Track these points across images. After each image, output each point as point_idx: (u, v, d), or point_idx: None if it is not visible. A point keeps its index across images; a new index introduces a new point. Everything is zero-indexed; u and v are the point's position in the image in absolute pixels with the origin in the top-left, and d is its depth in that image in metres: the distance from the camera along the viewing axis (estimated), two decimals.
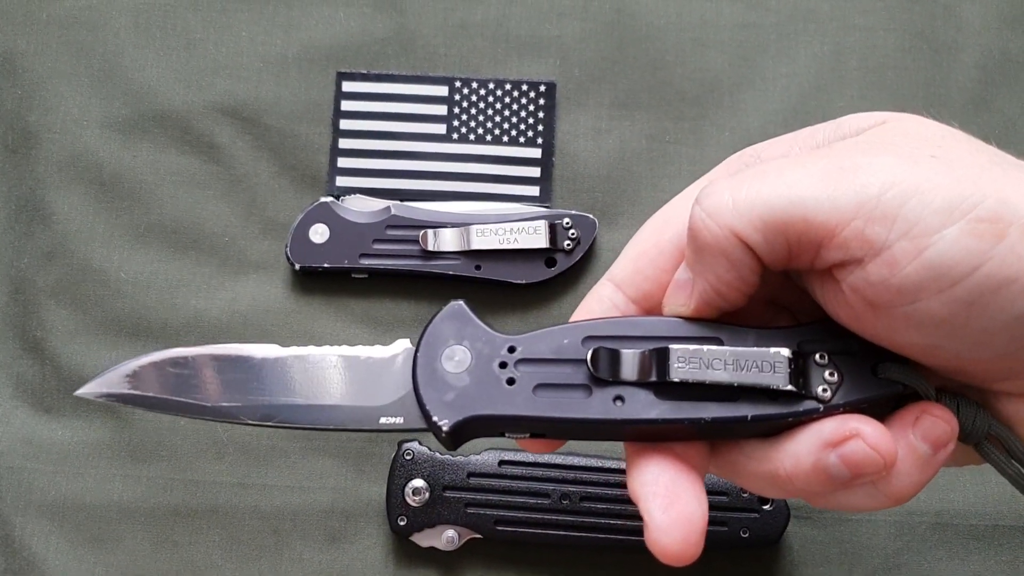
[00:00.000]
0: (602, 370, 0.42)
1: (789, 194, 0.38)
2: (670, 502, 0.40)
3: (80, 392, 0.49)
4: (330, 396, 0.47)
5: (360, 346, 0.48)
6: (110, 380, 0.48)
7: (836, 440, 0.40)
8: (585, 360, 0.42)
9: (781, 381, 0.41)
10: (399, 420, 0.46)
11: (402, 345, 0.47)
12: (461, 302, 0.45)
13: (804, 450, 0.40)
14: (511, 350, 0.44)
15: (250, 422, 0.47)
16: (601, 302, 0.45)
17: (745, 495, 0.63)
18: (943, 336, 0.37)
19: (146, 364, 0.48)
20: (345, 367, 0.47)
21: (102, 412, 0.68)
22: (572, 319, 0.45)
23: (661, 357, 0.42)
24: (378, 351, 0.48)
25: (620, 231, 0.70)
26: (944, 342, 0.38)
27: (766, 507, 0.63)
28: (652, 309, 0.45)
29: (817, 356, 0.41)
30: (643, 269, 0.45)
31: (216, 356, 0.48)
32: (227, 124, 0.71)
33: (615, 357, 0.42)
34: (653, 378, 0.42)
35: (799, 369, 0.41)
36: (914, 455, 0.40)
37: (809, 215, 0.38)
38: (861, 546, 0.65)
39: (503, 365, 0.43)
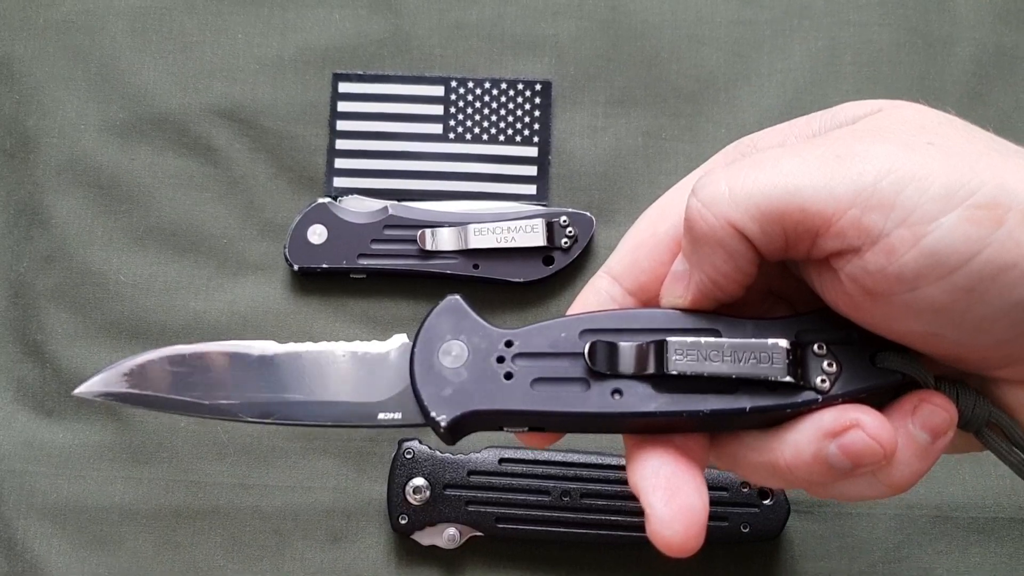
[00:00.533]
0: (600, 364, 0.42)
1: (785, 183, 0.38)
2: (671, 494, 0.40)
3: (78, 391, 0.48)
4: (328, 392, 0.47)
5: (357, 341, 0.48)
6: (108, 379, 0.48)
7: (836, 430, 0.40)
8: (582, 354, 0.42)
9: (779, 372, 0.40)
10: (397, 416, 0.46)
11: (399, 340, 0.47)
12: (457, 296, 0.45)
13: (804, 440, 0.40)
14: (508, 344, 0.43)
15: (249, 419, 0.47)
16: (598, 295, 0.45)
17: (745, 490, 0.63)
18: (942, 324, 0.37)
19: (144, 362, 0.48)
20: (342, 363, 0.47)
21: (103, 414, 0.68)
22: (569, 312, 0.45)
23: (659, 350, 0.41)
24: (375, 346, 0.47)
25: (617, 228, 0.70)
26: (943, 330, 0.38)
27: (766, 502, 0.63)
28: (649, 301, 0.45)
29: (815, 346, 0.41)
30: (640, 261, 0.44)
31: (214, 353, 0.48)
32: (224, 126, 0.72)
33: (613, 350, 0.42)
34: (651, 371, 0.41)
35: (797, 360, 0.41)
36: (913, 444, 0.40)
37: (806, 204, 0.38)
38: (861, 540, 0.65)
39: (500, 359, 0.43)
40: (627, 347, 0.42)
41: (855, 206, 0.37)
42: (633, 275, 0.45)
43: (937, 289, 0.36)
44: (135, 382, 0.48)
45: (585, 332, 0.43)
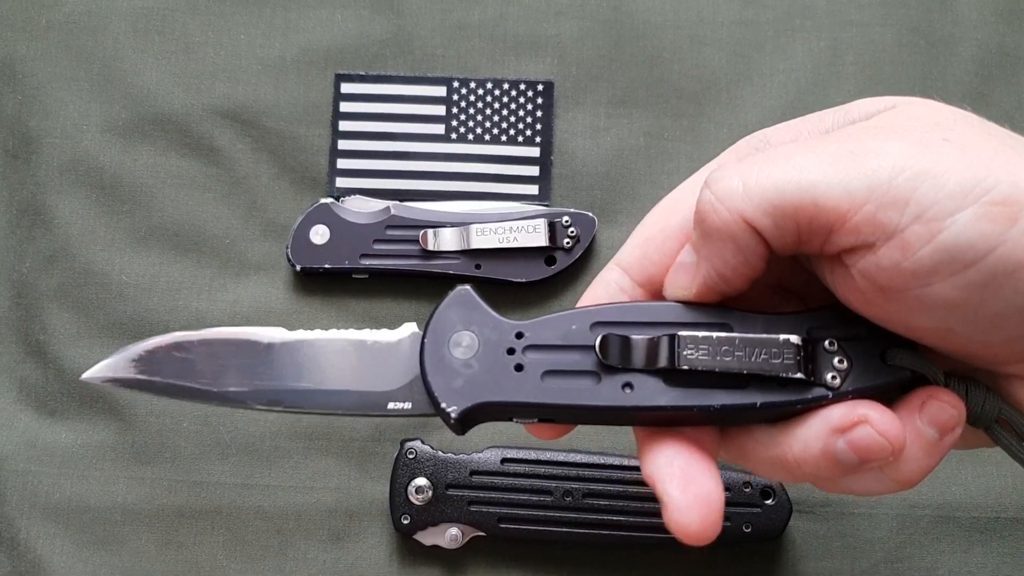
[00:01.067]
0: (611, 357, 0.42)
1: (799, 179, 0.38)
2: (687, 482, 0.40)
3: (86, 376, 0.48)
4: (338, 381, 0.46)
5: (367, 330, 0.47)
6: (115, 364, 0.47)
7: (844, 426, 0.40)
8: (594, 347, 0.42)
9: (791, 369, 0.41)
10: (407, 405, 0.45)
11: (409, 329, 0.47)
12: (468, 287, 0.45)
13: (813, 435, 0.40)
14: (519, 336, 0.43)
15: (257, 407, 0.47)
16: (608, 286, 0.45)
17: (748, 490, 0.63)
18: (956, 319, 0.37)
19: (152, 348, 0.47)
20: (352, 351, 0.47)
21: (105, 414, 0.68)
22: (579, 304, 0.45)
23: (670, 344, 0.41)
24: (385, 335, 0.47)
25: (619, 228, 0.70)
26: (957, 325, 0.38)
27: (768, 502, 0.63)
28: (658, 294, 0.45)
29: (826, 343, 0.41)
30: (650, 254, 0.44)
31: (223, 340, 0.47)
32: (227, 127, 0.72)
33: (624, 344, 0.42)
34: (662, 365, 0.41)
35: (808, 356, 0.41)
36: (921, 440, 0.40)
37: (820, 200, 0.38)
38: (863, 539, 0.66)
39: (511, 351, 0.43)
40: (639, 341, 0.42)
41: (870, 202, 0.37)
42: (643, 267, 0.45)
43: (951, 285, 0.36)
44: (143, 368, 0.47)
45: (596, 325, 0.43)
